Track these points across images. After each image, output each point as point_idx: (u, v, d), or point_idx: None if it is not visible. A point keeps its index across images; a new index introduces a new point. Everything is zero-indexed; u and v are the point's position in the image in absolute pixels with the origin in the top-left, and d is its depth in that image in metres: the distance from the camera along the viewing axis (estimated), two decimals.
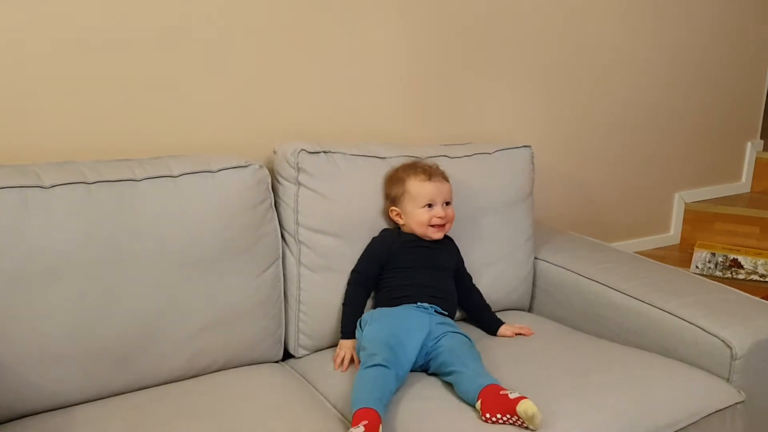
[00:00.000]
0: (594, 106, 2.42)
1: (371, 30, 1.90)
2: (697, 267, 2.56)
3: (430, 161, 1.73)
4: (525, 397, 1.27)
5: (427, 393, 1.42)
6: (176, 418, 1.34)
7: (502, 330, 1.71)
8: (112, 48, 1.56)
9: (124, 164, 1.46)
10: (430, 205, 1.65)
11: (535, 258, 1.96)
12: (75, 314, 1.34)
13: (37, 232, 1.31)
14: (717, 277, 2.50)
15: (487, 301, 1.78)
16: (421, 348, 1.49)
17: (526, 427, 1.28)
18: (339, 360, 1.57)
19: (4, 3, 1.45)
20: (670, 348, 1.61)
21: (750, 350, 1.52)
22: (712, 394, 1.48)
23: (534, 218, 1.97)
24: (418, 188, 1.65)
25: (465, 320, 1.78)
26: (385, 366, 1.38)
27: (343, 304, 1.64)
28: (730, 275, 2.52)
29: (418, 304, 1.58)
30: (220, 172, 1.51)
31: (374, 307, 1.64)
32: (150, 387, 1.45)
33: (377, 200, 1.68)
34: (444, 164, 1.80)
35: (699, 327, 1.57)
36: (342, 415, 1.43)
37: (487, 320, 1.74)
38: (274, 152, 1.66)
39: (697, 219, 2.77)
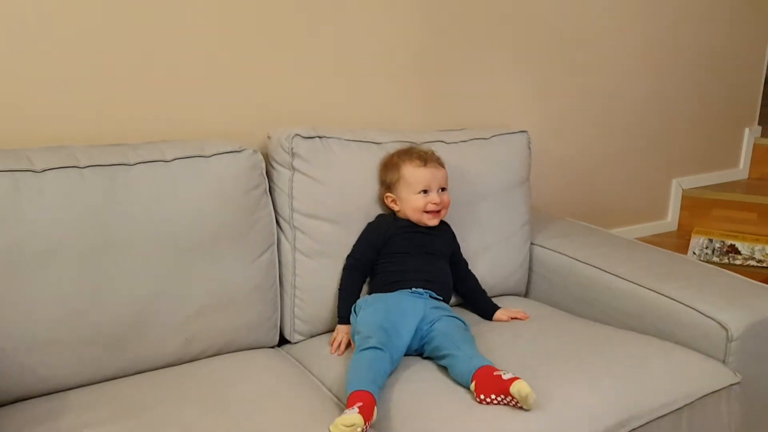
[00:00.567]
0: (591, 92, 2.41)
1: (367, 15, 1.89)
2: (694, 253, 2.56)
3: (425, 147, 1.73)
4: (518, 378, 1.27)
5: (421, 376, 1.43)
6: (171, 401, 1.34)
7: (497, 315, 1.71)
8: (105, 32, 1.56)
9: (117, 149, 1.46)
10: (425, 191, 1.64)
11: (532, 243, 1.95)
12: (68, 299, 1.34)
13: (29, 217, 1.30)
14: (714, 262, 2.50)
15: (483, 287, 1.78)
16: (416, 332, 1.49)
17: (520, 407, 1.28)
18: (336, 344, 1.57)
19: None
20: (667, 331, 1.61)
21: (746, 332, 1.52)
22: (708, 375, 1.48)
23: (531, 204, 1.97)
24: (413, 174, 1.64)
25: (461, 305, 1.78)
26: (379, 348, 1.38)
27: (339, 289, 1.63)
28: (727, 261, 2.52)
29: (413, 289, 1.58)
30: (214, 157, 1.51)
31: (369, 292, 1.64)
32: (145, 372, 1.45)
33: (372, 186, 1.68)
34: (440, 150, 1.79)
35: (695, 309, 1.57)
36: (337, 398, 1.44)
37: (482, 305, 1.74)
38: (269, 137, 1.66)
39: (695, 205, 2.77)
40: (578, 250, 1.86)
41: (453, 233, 1.74)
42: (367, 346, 1.39)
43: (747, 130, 2.97)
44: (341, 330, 1.60)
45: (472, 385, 1.32)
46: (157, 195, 1.42)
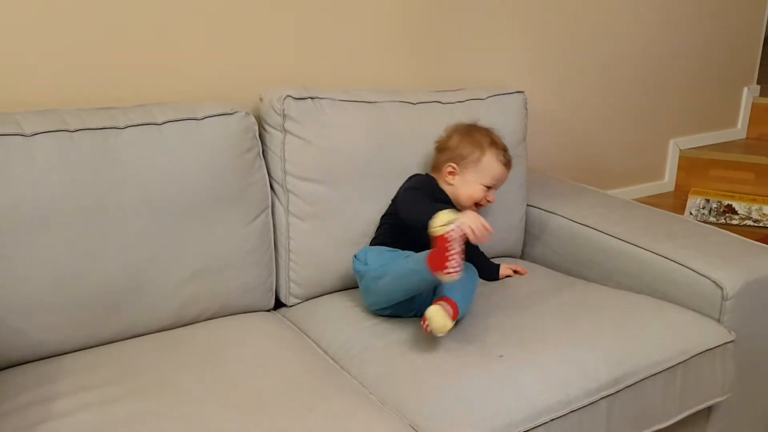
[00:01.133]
0: (588, 52, 2.38)
1: None
2: (691, 213, 2.55)
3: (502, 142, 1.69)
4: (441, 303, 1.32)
5: (406, 336, 1.44)
6: (167, 364, 1.34)
7: (502, 271, 1.72)
8: None
9: (108, 112, 1.44)
10: (488, 187, 1.62)
11: (528, 205, 1.95)
12: (61, 263, 1.33)
13: (19, 181, 1.29)
14: (711, 222, 2.50)
15: (481, 248, 1.77)
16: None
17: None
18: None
19: None
20: (662, 290, 1.61)
21: (741, 291, 1.52)
22: (703, 333, 1.49)
23: (527, 165, 1.95)
24: (493, 166, 1.62)
25: None
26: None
27: (419, 203, 1.49)
28: (724, 221, 2.51)
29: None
30: (206, 119, 1.49)
31: (372, 244, 1.61)
32: (140, 335, 1.46)
33: (367, 146, 1.66)
34: (436, 110, 1.79)
35: (690, 268, 1.57)
36: (333, 360, 1.44)
37: (484, 267, 1.73)
38: (261, 100, 1.64)
39: (692, 166, 2.76)
40: (574, 210, 1.86)
41: None
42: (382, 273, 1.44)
43: (745, 89, 2.94)
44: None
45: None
46: (148, 158, 1.41)
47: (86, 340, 1.39)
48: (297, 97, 1.59)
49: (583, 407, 1.28)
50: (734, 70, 2.87)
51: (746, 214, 2.54)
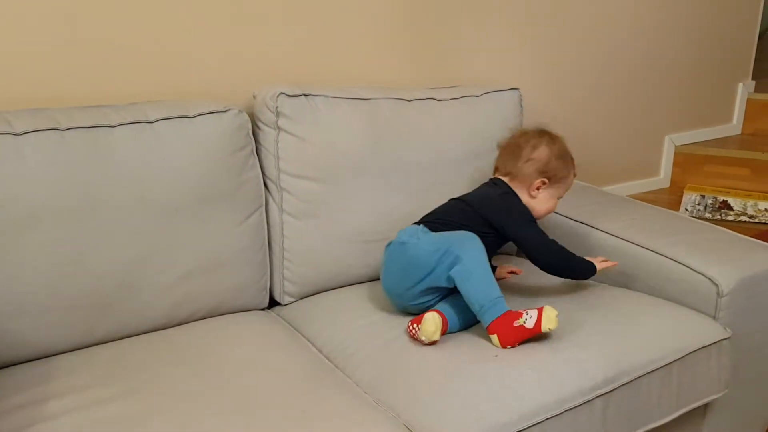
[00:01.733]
0: (583, 49, 2.37)
1: None
2: (686, 209, 2.55)
3: None
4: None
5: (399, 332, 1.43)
6: (159, 364, 1.33)
7: (498, 272, 1.71)
8: None
9: (99, 110, 1.43)
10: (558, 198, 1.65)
11: None
12: (52, 263, 1.32)
13: (9, 180, 1.28)
14: (706, 218, 2.49)
15: None
16: None
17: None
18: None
19: None
20: (658, 287, 1.61)
21: (736, 287, 1.51)
22: (698, 331, 1.48)
23: None
24: (572, 182, 1.67)
25: None
26: None
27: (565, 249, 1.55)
28: (719, 217, 2.51)
29: None
30: (198, 117, 1.48)
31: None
32: (133, 336, 1.45)
33: (361, 143, 1.65)
34: (431, 107, 1.78)
35: (686, 265, 1.56)
36: (328, 359, 1.43)
37: None
38: (254, 97, 1.63)
39: (688, 162, 2.75)
40: (570, 207, 1.85)
41: None
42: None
43: (740, 85, 2.94)
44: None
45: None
46: (140, 157, 1.40)
47: (78, 340, 1.38)
48: (290, 94, 1.58)
49: (578, 406, 1.28)
50: (729, 65, 2.87)
51: (742, 209, 2.54)
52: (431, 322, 1.36)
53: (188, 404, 1.21)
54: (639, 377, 1.36)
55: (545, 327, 1.34)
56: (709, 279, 1.52)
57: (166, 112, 1.46)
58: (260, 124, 1.59)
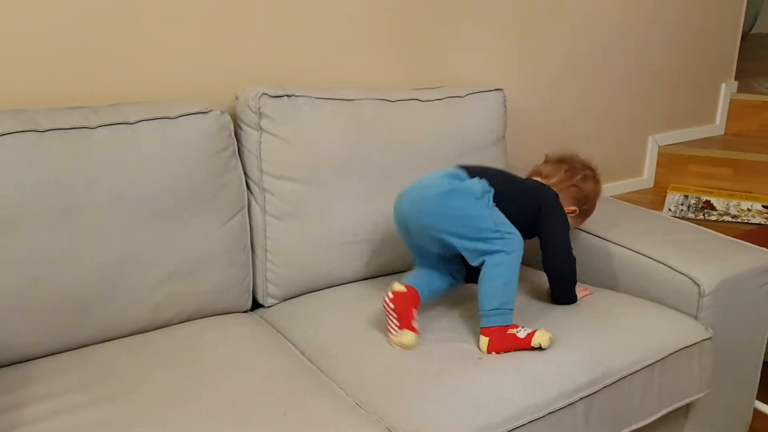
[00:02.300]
0: (567, 50, 2.38)
1: None
2: (669, 209, 2.56)
3: None
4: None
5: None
6: (140, 368, 1.32)
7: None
8: None
9: (79, 112, 1.41)
10: None
11: None
12: (31, 266, 1.31)
13: None
14: (689, 218, 2.50)
15: None
16: None
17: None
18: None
19: None
20: (641, 288, 1.61)
21: (718, 288, 1.52)
22: (680, 331, 1.49)
23: (506, 163, 1.95)
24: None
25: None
26: None
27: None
28: (702, 217, 2.52)
29: None
30: (180, 118, 1.47)
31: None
32: (113, 339, 1.43)
33: (344, 144, 1.64)
34: (415, 108, 1.78)
35: (668, 266, 1.57)
36: (311, 361, 1.43)
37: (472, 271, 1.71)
38: (236, 98, 1.62)
39: (671, 162, 2.76)
40: None
41: None
42: None
43: (723, 85, 2.95)
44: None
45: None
46: (120, 158, 1.39)
47: (57, 344, 1.37)
48: (273, 94, 1.58)
49: (561, 408, 1.28)
50: (712, 66, 2.88)
51: (724, 209, 2.55)
52: (411, 342, 1.37)
53: (170, 407, 1.20)
54: (621, 378, 1.36)
55: (536, 342, 1.34)
56: (691, 279, 1.53)
57: (147, 113, 1.45)
58: (242, 125, 1.58)
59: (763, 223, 2.44)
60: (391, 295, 1.41)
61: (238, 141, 1.58)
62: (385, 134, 1.71)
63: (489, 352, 1.35)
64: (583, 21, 2.38)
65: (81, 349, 1.39)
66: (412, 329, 1.39)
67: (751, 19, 4.12)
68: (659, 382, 1.43)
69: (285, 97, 1.59)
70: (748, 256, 1.61)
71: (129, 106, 1.46)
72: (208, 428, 1.16)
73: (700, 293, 1.51)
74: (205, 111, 1.50)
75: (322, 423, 1.19)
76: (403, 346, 1.37)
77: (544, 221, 1.52)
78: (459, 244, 1.40)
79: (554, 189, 1.60)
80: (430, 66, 2.08)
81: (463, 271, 1.54)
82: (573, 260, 1.52)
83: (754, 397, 1.77)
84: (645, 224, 1.74)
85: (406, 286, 1.43)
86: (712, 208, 2.57)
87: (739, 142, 2.87)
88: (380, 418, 1.24)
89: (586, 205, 1.65)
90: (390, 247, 1.70)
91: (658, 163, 2.77)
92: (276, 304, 1.65)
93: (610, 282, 1.67)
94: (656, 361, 1.41)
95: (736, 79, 3.01)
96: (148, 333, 1.47)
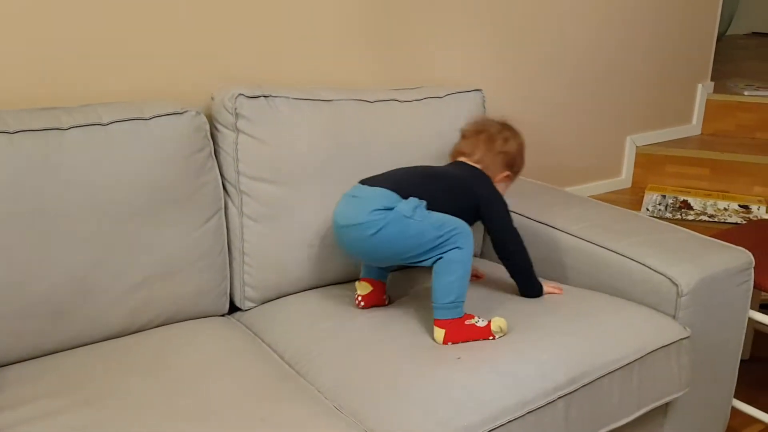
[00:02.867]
0: (545, 51, 2.38)
1: None
2: (647, 209, 2.58)
3: None
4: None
5: (359, 324, 1.43)
6: (114, 373, 1.30)
7: None
8: None
9: (50, 113, 1.39)
10: None
11: None
12: (2, 270, 1.28)
13: None
14: (667, 218, 2.52)
15: None
16: None
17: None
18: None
19: None
20: (619, 287, 1.62)
21: (696, 287, 1.53)
22: (658, 330, 1.49)
23: None
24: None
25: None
26: None
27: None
28: (680, 216, 2.54)
29: None
30: (154, 119, 1.45)
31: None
32: (88, 344, 1.41)
33: (323, 145, 1.63)
34: (394, 108, 1.77)
35: (646, 265, 1.57)
36: (289, 365, 1.41)
37: None
38: (213, 98, 1.60)
39: (649, 162, 2.78)
40: (532, 208, 1.85)
41: None
42: None
43: (700, 86, 2.98)
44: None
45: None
46: (93, 160, 1.36)
47: (29, 350, 1.34)
48: (250, 95, 1.56)
49: (540, 408, 1.27)
50: (688, 67, 2.91)
51: (701, 209, 2.57)
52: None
53: (145, 414, 1.18)
54: (600, 377, 1.36)
55: (496, 327, 1.37)
56: (669, 279, 1.53)
57: (120, 114, 1.43)
58: (219, 126, 1.57)
59: (739, 222, 2.46)
60: (360, 300, 1.52)
61: (215, 142, 1.56)
62: (364, 135, 1.70)
63: (445, 342, 1.37)
64: (562, 22, 2.39)
65: (54, 354, 1.37)
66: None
67: (726, 21, 4.17)
68: (638, 381, 1.43)
69: (262, 98, 1.57)
70: (726, 256, 1.62)
71: (102, 107, 1.44)
72: None
73: (678, 293, 1.52)
74: (181, 112, 1.48)
75: (300, 428, 1.17)
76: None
77: (485, 214, 1.55)
78: (412, 262, 1.43)
79: (482, 164, 1.62)
80: (409, 67, 2.07)
81: None
82: (521, 240, 1.56)
83: (732, 395, 1.78)
84: (623, 224, 1.74)
85: (369, 282, 1.52)
86: (690, 207, 2.59)
87: (715, 142, 2.90)
88: (359, 421, 1.22)
89: (516, 165, 1.68)
90: None
91: (636, 163, 2.79)
92: (254, 307, 1.63)
93: (588, 282, 1.67)
94: (635, 360, 1.41)
95: (712, 79, 3.04)
96: (124, 338, 1.45)
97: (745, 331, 1.70)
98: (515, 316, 1.47)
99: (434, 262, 1.41)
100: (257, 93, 1.57)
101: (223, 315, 1.61)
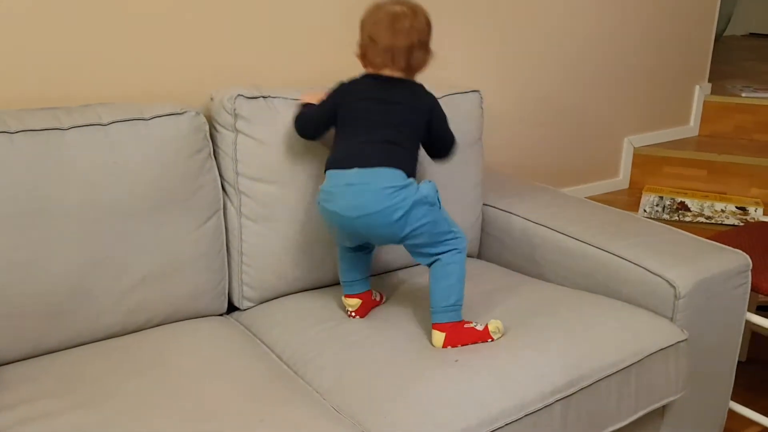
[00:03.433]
0: (543, 52, 2.39)
1: None
2: (645, 211, 2.58)
3: None
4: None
5: (355, 329, 1.48)
6: (113, 373, 1.30)
7: None
8: None
9: (51, 113, 1.39)
10: None
11: (484, 204, 1.94)
12: (2, 270, 1.28)
13: None
14: (664, 220, 2.53)
15: None
16: None
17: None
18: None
19: None
20: (617, 290, 1.62)
21: (693, 289, 1.53)
22: (656, 333, 1.49)
23: (483, 164, 1.95)
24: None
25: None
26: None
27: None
28: (677, 218, 2.55)
29: None
30: (154, 119, 1.45)
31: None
32: (86, 344, 1.41)
33: (320, 145, 1.63)
34: None
35: (643, 267, 1.57)
36: (287, 366, 1.42)
37: None
38: (212, 99, 1.60)
39: (646, 163, 2.79)
40: (530, 210, 1.86)
41: None
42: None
43: (697, 87, 2.98)
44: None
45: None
46: (93, 160, 1.37)
47: (28, 350, 1.34)
48: (248, 96, 1.56)
49: (538, 410, 1.28)
50: (686, 68, 2.91)
51: (699, 211, 2.58)
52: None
53: (144, 414, 1.19)
54: (598, 381, 1.36)
55: (494, 329, 1.38)
56: (667, 281, 1.53)
57: (120, 114, 1.43)
58: (218, 127, 1.57)
59: (736, 224, 2.46)
60: (353, 314, 1.52)
61: (214, 142, 1.56)
62: None
63: (445, 346, 1.37)
64: (559, 23, 2.40)
65: (52, 354, 1.37)
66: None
67: (724, 22, 4.18)
68: (635, 384, 1.43)
69: (260, 99, 1.57)
70: (723, 258, 1.62)
71: (102, 107, 1.44)
72: None
73: (675, 295, 1.52)
74: (180, 112, 1.48)
75: (298, 429, 1.18)
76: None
77: (434, 124, 1.49)
78: (414, 250, 1.41)
79: (412, 70, 1.48)
80: None
81: None
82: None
83: (729, 397, 1.78)
84: (620, 226, 1.74)
85: (356, 297, 1.51)
86: (687, 209, 2.59)
87: (712, 143, 2.91)
88: (358, 422, 1.23)
89: (430, 35, 1.51)
90: None
91: (633, 164, 2.80)
92: (252, 307, 1.63)
93: (585, 283, 1.68)
94: (632, 364, 1.42)
95: (709, 81, 3.04)
96: (122, 337, 1.45)
97: (742, 333, 1.71)
98: (513, 317, 1.47)
99: (431, 264, 1.41)
100: (256, 94, 1.57)
101: (221, 315, 1.62)
